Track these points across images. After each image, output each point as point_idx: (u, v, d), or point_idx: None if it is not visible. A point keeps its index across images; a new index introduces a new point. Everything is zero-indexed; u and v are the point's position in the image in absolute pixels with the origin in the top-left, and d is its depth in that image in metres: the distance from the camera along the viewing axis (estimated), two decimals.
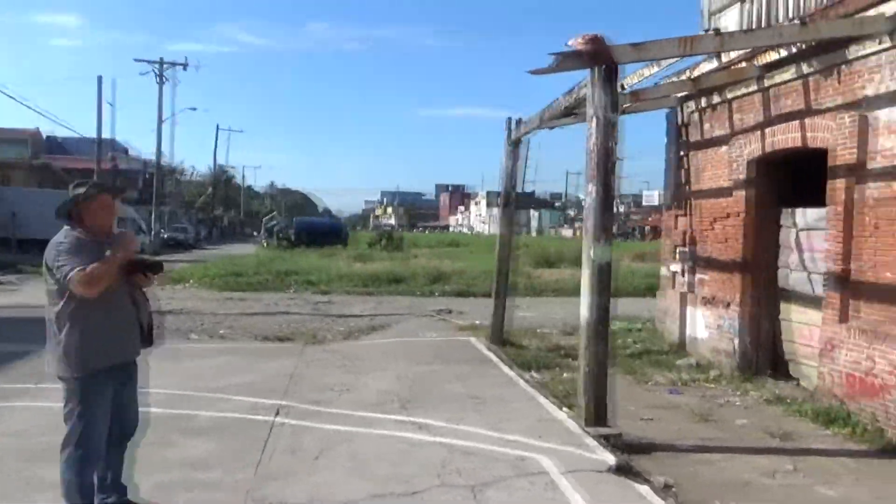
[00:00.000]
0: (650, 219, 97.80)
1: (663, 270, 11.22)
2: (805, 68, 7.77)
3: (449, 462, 5.08)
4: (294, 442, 5.61)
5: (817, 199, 8.08)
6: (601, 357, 6.26)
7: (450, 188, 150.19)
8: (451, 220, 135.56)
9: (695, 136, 10.28)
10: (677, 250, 10.69)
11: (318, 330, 11.86)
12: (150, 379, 5.91)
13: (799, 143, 7.86)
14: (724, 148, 9.44)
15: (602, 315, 6.24)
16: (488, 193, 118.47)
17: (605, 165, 6.11)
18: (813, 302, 8.19)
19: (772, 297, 8.90)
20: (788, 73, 8.06)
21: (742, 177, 8.95)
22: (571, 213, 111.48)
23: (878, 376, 6.61)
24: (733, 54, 8.60)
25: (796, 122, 7.91)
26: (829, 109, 7.42)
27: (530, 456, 5.24)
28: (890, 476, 5.66)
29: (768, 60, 8.24)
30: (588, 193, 6.27)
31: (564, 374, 9.13)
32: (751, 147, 8.76)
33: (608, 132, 6.11)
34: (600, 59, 6.02)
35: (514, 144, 10.33)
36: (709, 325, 9.70)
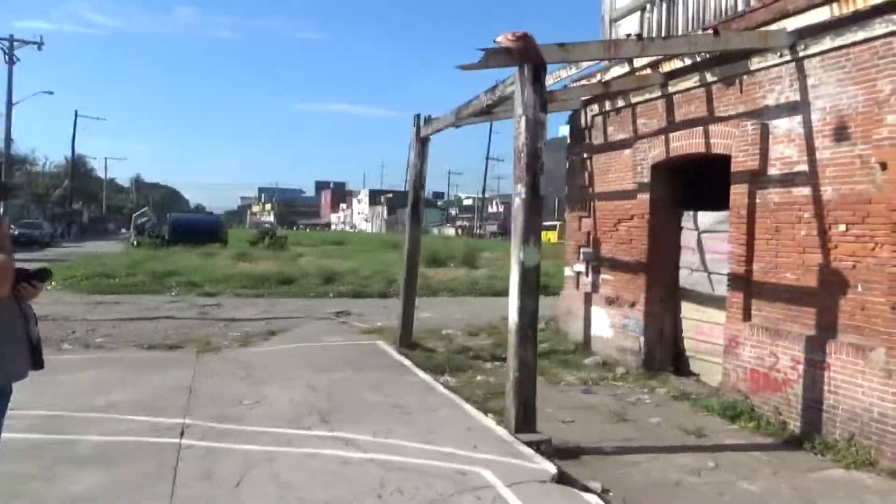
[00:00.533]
0: None
1: (567, 271, 11.42)
2: (708, 77, 8.10)
3: (387, 481, 4.74)
4: (208, 467, 5.04)
5: (717, 203, 8.49)
6: (530, 361, 6.16)
7: (331, 185, 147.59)
8: (333, 218, 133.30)
9: (598, 138, 10.51)
10: (581, 251, 10.90)
11: (211, 336, 11.02)
12: (19, 398, 5.10)
13: (702, 149, 8.19)
14: (628, 151, 9.71)
15: (530, 319, 6.14)
16: (371, 191, 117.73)
17: (534, 167, 6.00)
18: (712, 301, 8.59)
19: (673, 296, 9.25)
20: (691, 81, 8.38)
21: (646, 180, 9.23)
22: (453, 212, 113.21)
23: (781, 371, 6.99)
24: (640, 61, 8.85)
25: (699, 129, 8.25)
26: (731, 117, 7.77)
27: (470, 469, 5.01)
28: (801, 467, 5.97)
29: (672, 68, 8.54)
30: (516, 195, 6.14)
31: (478, 377, 9.02)
32: (655, 151, 9.05)
33: (537, 133, 6.01)
34: (529, 57, 5.90)
35: (424, 142, 10.08)
36: (614, 324, 9.95)
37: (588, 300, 10.66)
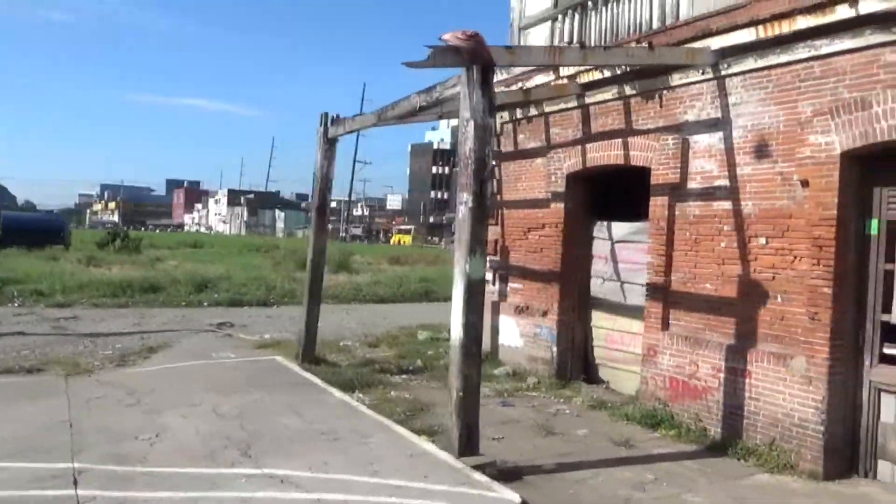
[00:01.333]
0: (394, 221, 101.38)
1: None
2: (627, 90, 8.22)
3: None
4: None
5: (630, 214, 8.64)
6: (474, 381, 5.82)
7: (185, 184, 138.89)
8: (186, 219, 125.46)
9: (508, 146, 10.42)
10: (487, 259, 10.72)
11: (78, 355, 9.64)
12: None
13: (621, 161, 8.29)
14: (541, 160, 9.68)
15: (476, 334, 5.81)
16: (230, 191, 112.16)
17: (482, 174, 5.69)
18: (625, 310, 8.73)
19: (584, 305, 9.32)
20: (609, 94, 8.47)
21: (561, 189, 9.23)
22: None
23: (701, 379, 7.17)
24: (563, 70, 8.81)
25: (618, 141, 8.34)
26: (650, 131, 7.92)
27: None
28: (731, 474, 6.11)
29: (591, 79, 8.59)
30: (461, 203, 5.78)
31: (392, 393, 8.55)
32: (570, 161, 9.07)
33: (486, 138, 5.70)
34: (479, 58, 5.58)
35: (331, 143, 9.44)
36: (524, 333, 9.87)
37: (495, 309, 10.51)
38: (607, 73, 8.33)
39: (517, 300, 10.12)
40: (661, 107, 7.83)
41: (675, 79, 7.57)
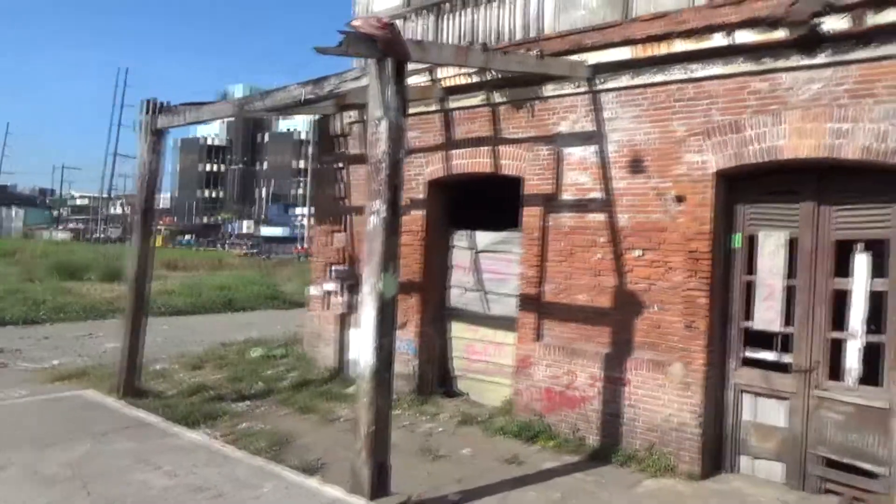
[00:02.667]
0: (162, 221, 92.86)
1: (312, 290, 10.34)
2: (496, 97, 8.10)
3: None
4: None
5: (496, 223, 8.54)
6: (386, 413, 5.20)
7: None
8: None
9: (356, 147, 9.76)
10: (332, 268, 9.99)
11: None
12: None
13: (489, 169, 8.14)
14: None
15: (388, 359, 5.19)
16: None
17: (396, 179, 5.10)
18: (488, 320, 8.61)
19: (443, 316, 9.04)
20: (477, 100, 8.29)
21: (421, 196, 8.84)
22: (64, 212, 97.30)
23: (578, 389, 7.26)
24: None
25: (486, 149, 8.18)
26: (521, 140, 7.87)
27: None
28: (623, 482, 6.23)
29: (456, 84, 8.32)
30: (372, 213, 5.12)
31: (243, 425, 7.48)
32: (432, 167, 8.73)
33: (400, 139, 5.12)
34: (395, 51, 5.00)
35: (158, 135, 8.00)
36: None
37: (343, 322, 9.80)
38: (475, 79, 8.13)
39: None
40: (532, 116, 7.82)
41: (549, 90, 7.60)
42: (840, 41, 5.72)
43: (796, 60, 5.98)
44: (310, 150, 49.45)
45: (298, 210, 75.22)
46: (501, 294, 8.39)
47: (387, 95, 4.98)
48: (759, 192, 6.50)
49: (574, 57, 7.23)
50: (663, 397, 6.65)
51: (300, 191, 77.77)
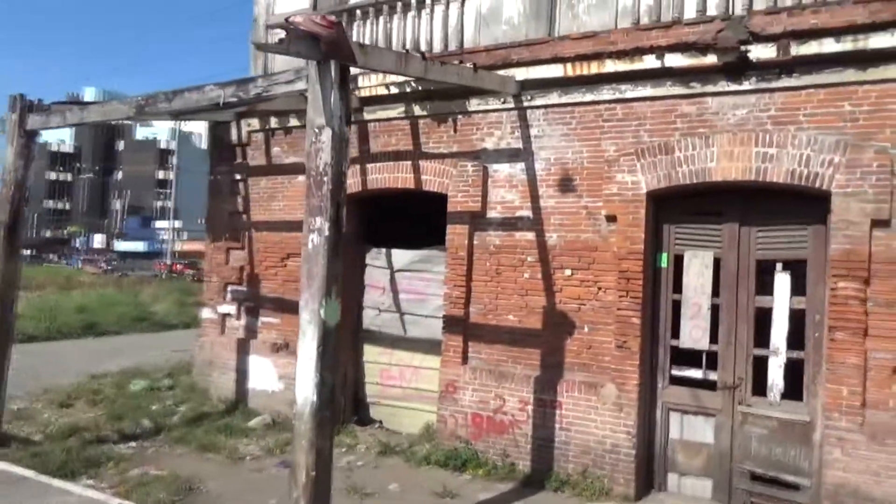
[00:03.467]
0: None
1: (205, 312, 9.39)
2: (416, 110, 7.75)
3: None
4: None
5: (412, 241, 8.17)
6: (327, 455, 4.66)
7: None
8: None
9: (258, 158, 9.01)
10: (229, 289, 9.14)
11: None
12: None
13: (410, 185, 7.76)
14: (305, 178, 8.55)
15: (329, 395, 4.66)
16: None
17: (339, 194, 4.61)
18: (405, 343, 8.20)
19: (356, 339, 8.51)
20: (395, 112, 7.90)
21: None
22: None
23: (507, 413, 7.02)
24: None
25: (406, 163, 7.81)
26: (444, 155, 7.57)
27: None
28: None
29: (372, 94, 7.90)
30: (312, 230, 4.59)
31: (133, 471, 6.56)
32: (348, 181, 8.17)
33: (343, 150, 4.64)
34: (340, 52, 4.52)
35: (30, 136, 6.87)
36: (283, 375, 8.57)
37: (242, 348, 8.96)
38: (395, 90, 7.76)
39: (273, 336, 8.77)
40: (455, 131, 7.56)
41: (473, 104, 7.38)
42: (766, 69, 5.95)
43: (724, 86, 6.15)
44: (174, 159, 46.35)
45: (161, 223, 70.42)
46: (420, 315, 8.01)
47: (330, 102, 4.49)
48: (686, 213, 6.62)
49: (500, 72, 7.06)
50: (596, 419, 6.56)
51: (165, 202, 72.81)
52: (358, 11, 8.45)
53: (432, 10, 7.93)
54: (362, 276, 8.50)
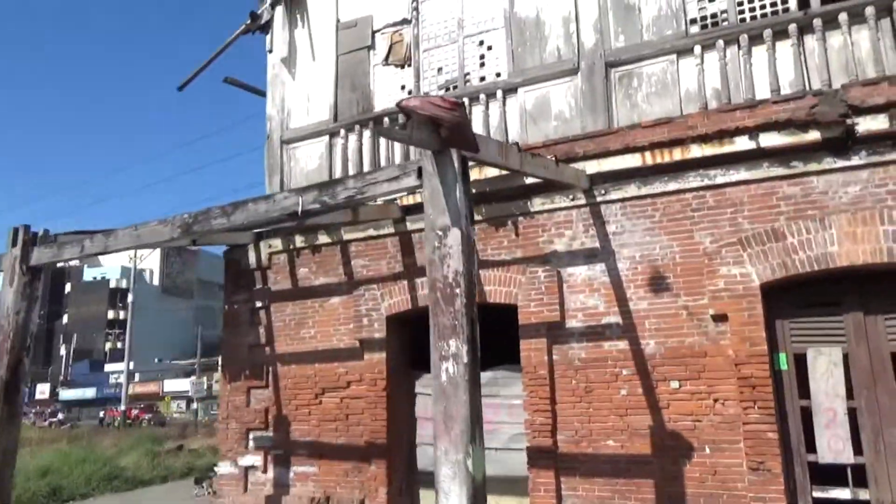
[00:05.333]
0: None
1: (224, 467, 7.96)
2: None
3: None
4: None
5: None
6: None
7: None
8: None
9: (282, 282, 8.02)
10: (251, 436, 7.83)
11: None
12: None
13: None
14: (340, 299, 7.59)
15: None
16: None
17: (472, 309, 3.68)
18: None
19: (413, 484, 7.24)
20: None
21: (378, 335, 7.26)
22: None
23: None
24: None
25: None
26: (507, 262, 6.76)
27: None
28: None
29: (418, 202, 7.16)
30: (445, 358, 3.60)
31: None
32: (392, 299, 7.25)
33: (472, 255, 3.77)
34: (464, 140, 3.77)
35: (35, 274, 5.77)
36: None
37: None
38: None
39: (310, 490, 7.40)
40: (517, 235, 6.80)
41: (537, 204, 6.69)
42: (875, 141, 5.48)
43: (829, 163, 5.64)
44: (130, 297, 44.38)
45: (113, 366, 66.60)
46: (490, 449, 6.83)
47: (455, 198, 3.67)
48: (799, 305, 5.88)
49: (580, 165, 6.44)
50: None
51: (116, 343, 69.10)
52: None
53: (470, 110, 7.40)
54: (412, 408, 7.38)
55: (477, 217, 6.99)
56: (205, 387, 50.27)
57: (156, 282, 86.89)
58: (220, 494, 8.00)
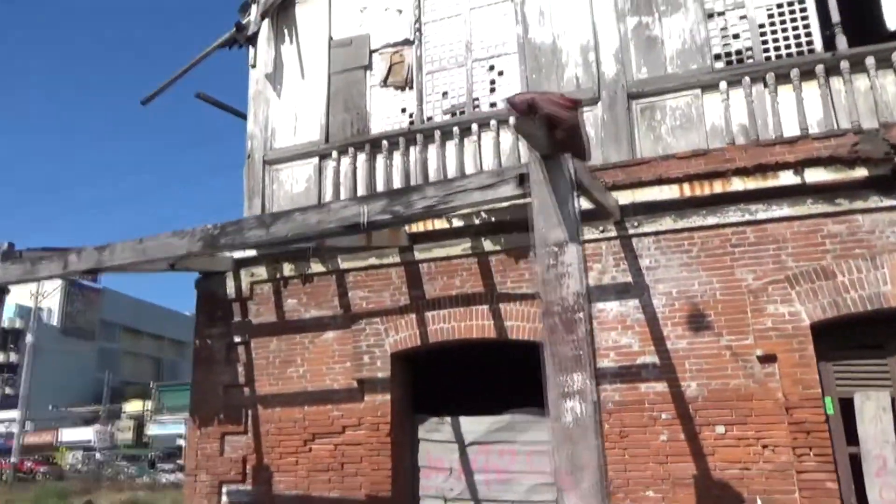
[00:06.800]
0: None
1: None
2: (487, 245, 6.51)
3: None
4: None
5: (478, 405, 6.56)
6: None
7: None
8: None
9: (266, 315, 7.17)
10: (225, 490, 6.83)
11: None
12: None
13: (491, 334, 6.29)
14: (334, 334, 6.83)
15: None
16: None
17: (592, 339, 3.15)
18: None
19: None
20: (458, 248, 6.60)
21: (382, 374, 6.53)
22: None
23: None
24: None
25: (482, 308, 6.38)
26: (527, 296, 6.26)
27: None
28: None
29: (427, 229, 6.62)
30: (565, 396, 3.04)
31: None
32: (398, 335, 6.57)
33: (584, 275, 3.25)
34: (576, 143, 3.29)
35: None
36: None
37: None
38: (457, 223, 6.53)
39: None
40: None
41: None
42: None
43: (876, 201, 5.53)
44: (29, 338, 40.63)
45: (3, 413, 60.65)
46: (507, 501, 6.22)
47: (569, 209, 3.17)
48: (843, 348, 5.66)
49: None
50: None
51: (6, 389, 63.04)
52: (385, 142, 7.34)
53: (479, 138, 6.99)
54: (415, 456, 6.64)
55: (495, 247, 6.53)
56: (108, 436, 46.34)
57: (54, 321, 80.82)
58: None
